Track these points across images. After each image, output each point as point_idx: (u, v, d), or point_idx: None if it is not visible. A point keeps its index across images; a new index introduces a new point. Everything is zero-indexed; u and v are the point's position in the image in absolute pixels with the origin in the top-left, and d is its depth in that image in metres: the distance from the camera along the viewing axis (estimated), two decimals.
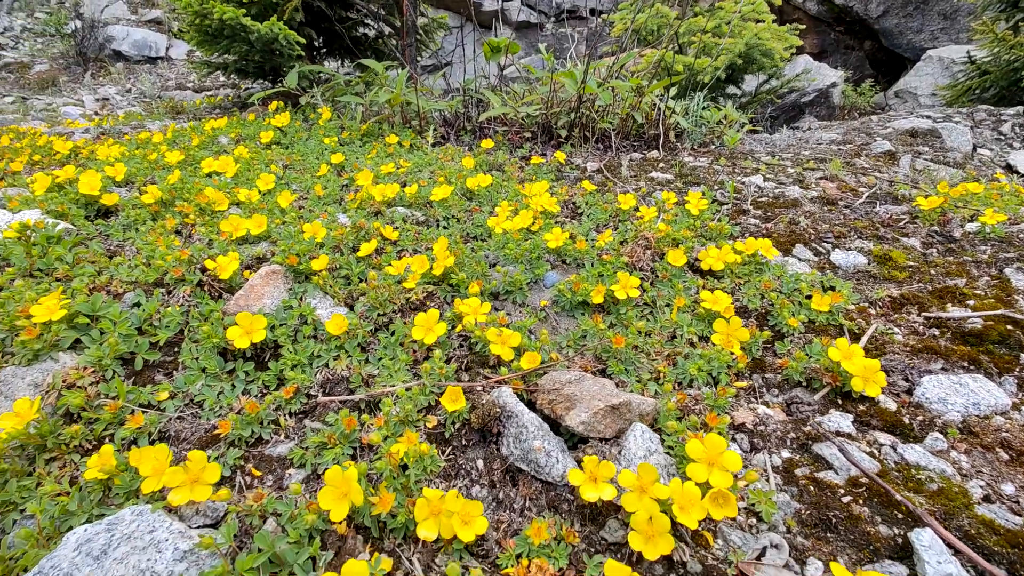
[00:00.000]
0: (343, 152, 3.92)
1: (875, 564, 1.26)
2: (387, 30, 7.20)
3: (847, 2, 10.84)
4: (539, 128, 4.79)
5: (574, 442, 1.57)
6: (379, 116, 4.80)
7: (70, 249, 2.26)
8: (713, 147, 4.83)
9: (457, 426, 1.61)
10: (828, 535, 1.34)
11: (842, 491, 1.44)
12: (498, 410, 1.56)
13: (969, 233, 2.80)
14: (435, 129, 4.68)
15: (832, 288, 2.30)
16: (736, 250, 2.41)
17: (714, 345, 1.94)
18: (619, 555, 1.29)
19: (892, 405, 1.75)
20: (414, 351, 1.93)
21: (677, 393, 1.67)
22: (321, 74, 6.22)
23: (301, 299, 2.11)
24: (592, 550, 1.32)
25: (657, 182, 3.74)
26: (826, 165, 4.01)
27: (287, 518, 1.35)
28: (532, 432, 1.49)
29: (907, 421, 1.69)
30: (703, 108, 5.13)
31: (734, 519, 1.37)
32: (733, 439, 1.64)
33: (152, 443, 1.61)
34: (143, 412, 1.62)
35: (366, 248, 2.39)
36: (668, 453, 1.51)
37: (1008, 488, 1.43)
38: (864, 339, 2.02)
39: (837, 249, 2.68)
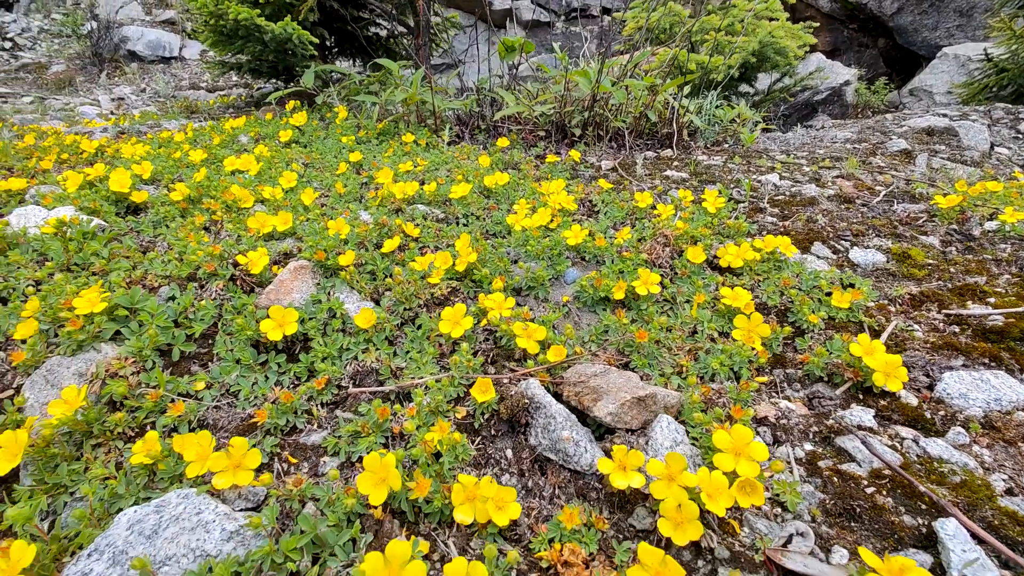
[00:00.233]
0: (360, 151, 3.97)
1: (900, 552, 1.28)
2: (400, 29, 7.26)
3: None
4: (553, 127, 4.83)
5: (600, 433, 1.61)
6: (395, 115, 4.86)
7: (105, 244, 2.34)
8: (727, 146, 4.84)
9: (486, 416, 1.66)
10: (852, 524, 1.37)
11: (865, 482, 1.47)
12: (526, 401, 1.60)
13: (988, 231, 2.80)
14: (450, 128, 4.73)
15: (851, 285, 2.32)
16: (755, 247, 2.44)
17: (735, 340, 1.97)
18: (648, 541, 1.33)
19: (913, 400, 1.77)
20: (440, 344, 1.98)
21: (701, 386, 1.70)
22: (333, 73, 6.30)
23: (329, 294, 2.17)
24: (621, 536, 1.36)
25: (672, 180, 3.76)
26: (842, 163, 4.01)
27: (325, 502, 1.40)
28: (560, 422, 1.53)
29: (928, 416, 1.71)
30: (716, 107, 5.13)
31: (759, 508, 1.41)
32: (756, 432, 1.67)
33: (192, 431, 1.67)
34: (183, 401, 1.68)
35: (389, 244, 2.44)
36: (693, 444, 1.54)
37: None
38: (884, 335, 2.04)
39: (855, 247, 2.70)
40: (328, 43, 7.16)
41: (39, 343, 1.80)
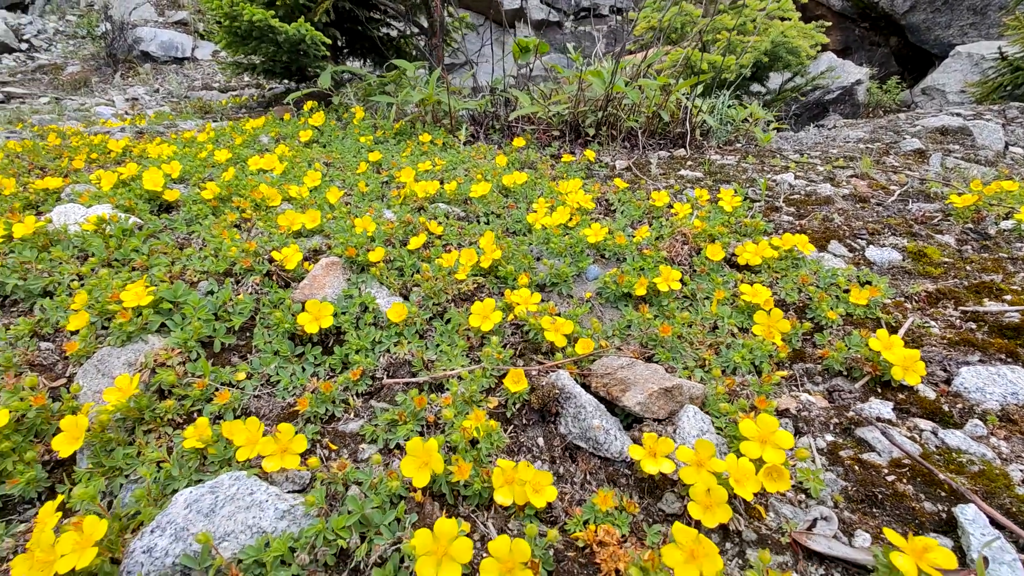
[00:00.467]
0: (379, 150, 4.05)
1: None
2: (412, 29, 7.34)
3: None
4: (567, 126, 4.88)
5: (628, 422, 1.67)
6: (411, 116, 4.94)
7: (144, 241, 2.43)
8: (739, 145, 4.88)
9: (517, 406, 1.73)
10: (874, 510, 1.43)
11: (886, 471, 1.52)
12: (557, 391, 1.67)
13: (1004, 230, 2.83)
14: (465, 128, 4.80)
15: (868, 283, 2.36)
16: (773, 245, 2.49)
17: (755, 336, 2.03)
18: None
19: (931, 394, 1.82)
20: (469, 338, 2.05)
21: (726, 379, 1.76)
22: (345, 73, 6.38)
23: (360, 289, 2.25)
24: (651, 520, 1.42)
25: (687, 180, 3.81)
26: (856, 163, 4.04)
27: (368, 485, 1.48)
28: (590, 412, 1.60)
29: (946, 409, 1.76)
30: (728, 106, 5.17)
31: (783, 494, 1.47)
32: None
33: (236, 418, 1.75)
34: (228, 390, 1.77)
35: (415, 242, 2.51)
36: (718, 433, 1.60)
37: None
38: (902, 331, 2.09)
39: (871, 245, 2.74)
40: (339, 43, 7.25)
41: (90, 334, 1.89)
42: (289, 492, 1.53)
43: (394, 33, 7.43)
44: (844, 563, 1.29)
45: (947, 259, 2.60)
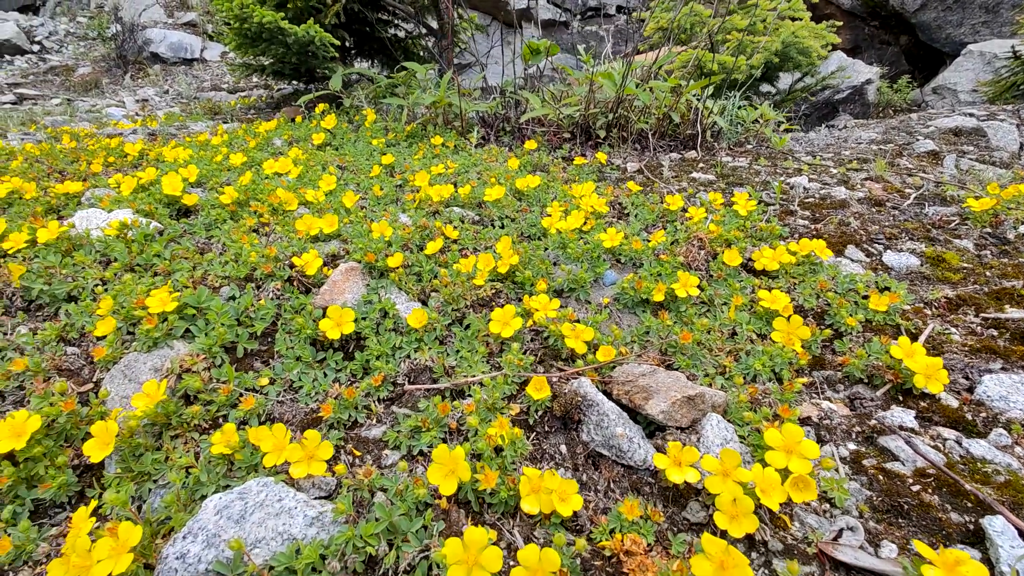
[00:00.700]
0: (392, 153, 4.07)
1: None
2: (420, 30, 7.35)
3: None
4: (577, 128, 4.88)
5: (651, 430, 1.68)
6: (422, 118, 4.95)
7: (165, 246, 2.45)
8: (750, 146, 4.86)
9: (540, 413, 1.74)
10: (900, 520, 1.43)
11: (910, 480, 1.52)
12: (579, 399, 1.67)
13: (1023, 235, 2.81)
14: (476, 130, 4.80)
15: (887, 289, 2.35)
16: (790, 251, 2.48)
17: (773, 342, 2.03)
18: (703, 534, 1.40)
19: (954, 402, 1.81)
20: (489, 344, 2.06)
21: (749, 387, 1.76)
22: (353, 75, 6.40)
23: (379, 294, 2.26)
24: (676, 529, 1.43)
25: (699, 183, 3.80)
26: (869, 165, 4.02)
27: (394, 492, 1.49)
28: (613, 420, 1.60)
29: (970, 418, 1.75)
30: (738, 107, 5.15)
31: (809, 504, 1.47)
32: None
33: (261, 424, 1.77)
34: (253, 395, 1.79)
35: (432, 247, 2.53)
36: (742, 442, 1.61)
37: None
38: (922, 338, 2.08)
39: (889, 250, 2.72)
40: (348, 44, 7.28)
41: (116, 339, 1.92)
42: (316, 498, 1.54)
43: (402, 34, 7.45)
44: (871, 574, 1.29)
45: (966, 264, 2.59)
